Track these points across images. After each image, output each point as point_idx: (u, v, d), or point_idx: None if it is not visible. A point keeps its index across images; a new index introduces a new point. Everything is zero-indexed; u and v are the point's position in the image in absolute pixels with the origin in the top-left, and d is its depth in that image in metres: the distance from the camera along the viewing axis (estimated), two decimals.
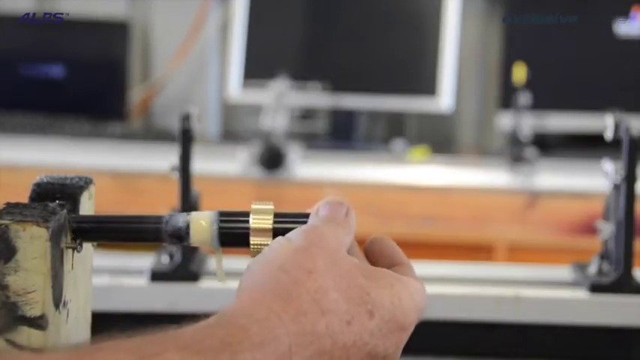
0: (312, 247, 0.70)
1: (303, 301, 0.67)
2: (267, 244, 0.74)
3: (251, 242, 0.75)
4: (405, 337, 0.72)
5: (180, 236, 0.75)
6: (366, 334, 0.69)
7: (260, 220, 0.75)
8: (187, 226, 0.75)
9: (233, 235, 0.75)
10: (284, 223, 0.75)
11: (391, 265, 0.75)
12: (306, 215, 0.75)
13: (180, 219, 0.75)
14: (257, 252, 0.74)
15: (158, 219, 0.75)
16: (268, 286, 0.68)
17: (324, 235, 0.71)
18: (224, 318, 0.66)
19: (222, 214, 0.76)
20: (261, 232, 0.74)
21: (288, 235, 0.72)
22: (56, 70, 3.06)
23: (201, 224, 0.75)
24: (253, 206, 0.75)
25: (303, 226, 0.73)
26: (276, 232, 0.74)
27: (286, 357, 0.65)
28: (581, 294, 1.28)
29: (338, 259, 0.70)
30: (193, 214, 0.76)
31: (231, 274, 1.32)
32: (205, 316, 0.66)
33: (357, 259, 0.73)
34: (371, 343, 0.69)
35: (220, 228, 0.75)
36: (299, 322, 0.66)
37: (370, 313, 0.69)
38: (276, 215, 0.75)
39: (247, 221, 0.75)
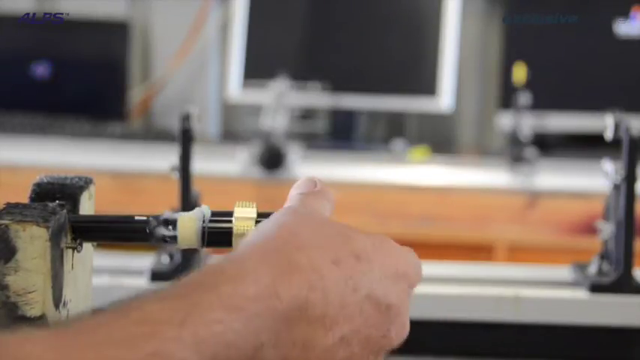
0: (286, 214, 0.69)
1: (277, 242, 0.65)
2: None
3: (234, 243, 0.74)
4: (404, 289, 0.68)
5: (168, 238, 0.74)
6: (357, 274, 0.65)
7: (243, 219, 0.74)
8: (174, 227, 0.74)
9: (217, 234, 0.75)
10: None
11: None
12: None
13: (170, 219, 0.75)
14: None
15: (151, 218, 0.75)
16: (244, 245, 0.66)
17: (296, 206, 0.70)
18: (201, 268, 0.65)
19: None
20: (243, 235, 0.74)
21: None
22: (56, 70, 3.06)
23: (188, 224, 0.74)
24: (236, 207, 0.75)
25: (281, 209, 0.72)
26: None
27: (270, 288, 0.62)
28: (581, 294, 1.28)
29: (309, 215, 0.69)
30: (180, 214, 0.75)
31: None
32: None
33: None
34: (365, 286, 0.65)
35: (210, 227, 0.74)
36: (276, 257, 0.64)
37: (357, 256, 0.66)
38: (259, 215, 0.75)
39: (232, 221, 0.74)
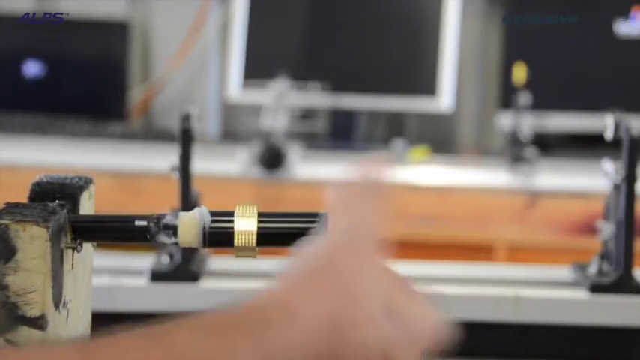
0: (339, 253, 0.67)
1: (326, 283, 0.64)
2: (252, 246, 0.73)
3: (235, 243, 0.74)
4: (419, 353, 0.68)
5: (170, 236, 0.74)
6: (388, 333, 0.65)
7: (245, 219, 0.74)
8: (176, 226, 0.75)
9: (220, 234, 0.75)
10: (268, 223, 0.75)
11: None
12: (289, 215, 0.75)
13: (171, 218, 0.75)
14: (243, 252, 0.74)
15: (151, 218, 0.75)
16: (293, 273, 0.65)
17: (350, 241, 0.68)
18: (243, 303, 0.63)
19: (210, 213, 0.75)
20: (245, 233, 0.74)
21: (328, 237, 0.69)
22: (56, 70, 3.06)
23: (189, 224, 0.74)
24: (237, 207, 0.75)
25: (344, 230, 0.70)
26: (261, 232, 0.74)
27: (307, 335, 0.61)
28: (581, 294, 1.28)
29: (374, 262, 0.67)
30: (181, 214, 0.75)
31: (233, 275, 1.32)
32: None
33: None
34: (390, 343, 0.65)
35: (210, 228, 0.74)
36: (319, 302, 0.63)
37: (390, 313, 0.65)
38: (260, 215, 0.75)
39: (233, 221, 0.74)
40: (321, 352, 0.62)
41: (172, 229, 0.74)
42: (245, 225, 0.73)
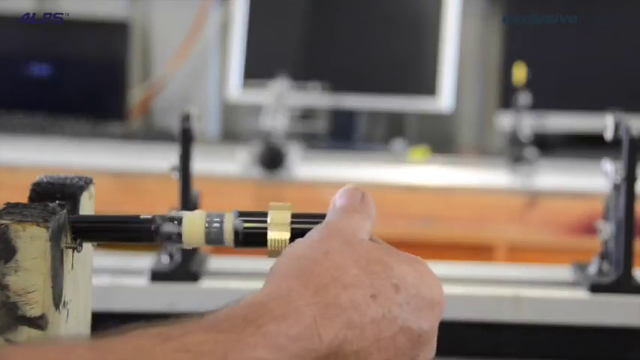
0: (327, 236, 0.70)
1: (322, 277, 0.66)
2: (284, 245, 0.74)
3: (269, 237, 0.74)
4: (437, 316, 0.70)
5: (173, 236, 0.74)
6: (395, 308, 0.67)
7: (278, 216, 0.74)
8: (181, 226, 0.75)
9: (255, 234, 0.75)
10: (300, 223, 0.74)
11: None
12: (322, 216, 0.75)
13: (175, 219, 0.75)
14: (273, 252, 0.74)
15: (156, 219, 0.75)
16: (287, 272, 0.67)
17: (338, 224, 0.71)
18: (245, 301, 0.65)
19: (241, 214, 0.75)
20: (279, 226, 0.74)
21: (307, 234, 0.72)
22: (56, 70, 3.06)
23: (195, 224, 0.75)
24: (272, 203, 0.75)
25: (319, 224, 0.72)
26: (295, 232, 0.74)
27: (312, 329, 0.64)
28: (581, 294, 1.28)
29: (354, 242, 0.70)
30: (187, 213, 0.75)
31: (233, 275, 1.32)
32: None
33: (377, 242, 0.72)
34: (401, 317, 0.67)
35: (245, 228, 0.75)
36: (320, 296, 0.65)
37: (395, 286, 0.68)
38: (293, 215, 0.75)
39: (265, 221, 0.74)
40: (328, 342, 0.64)
41: (177, 231, 0.74)
42: (278, 234, 0.74)
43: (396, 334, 0.67)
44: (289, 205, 0.75)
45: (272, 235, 0.74)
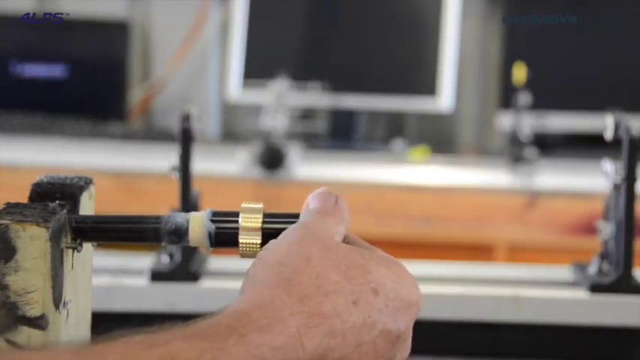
0: (304, 239, 0.70)
1: (304, 285, 0.67)
2: (257, 243, 0.74)
3: (240, 241, 0.74)
4: (413, 315, 0.71)
5: (180, 236, 0.75)
6: (375, 312, 0.68)
7: (249, 218, 0.75)
8: (187, 226, 0.75)
9: (228, 235, 0.75)
10: (273, 223, 0.75)
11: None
12: (296, 215, 0.76)
13: (179, 218, 0.75)
14: (247, 251, 0.74)
15: (157, 219, 0.75)
16: (269, 279, 0.68)
17: (315, 227, 0.72)
18: (228, 309, 0.66)
19: (215, 214, 0.76)
20: (250, 230, 0.74)
21: (281, 234, 0.72)
22: (56, 70, 3.06)
23: (201, 223, 0.75)
24: (243, 205, 0.75)
25: (294, 224, 0.73)
26: (265, 232, 0.74)
27: (295, 339, 0.65)
28: (581, 294, 1.28)
29: (332, 246, 0.71)
30: (193, 213, 0.76)
31: (233, 275, 1.32)
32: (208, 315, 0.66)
33: (353, 245, 0.73)
34: (380, 321, 0.69)
35: (217, 228, 0.75)
36: (303, 304, 0.66)
37: (374, 291, 0.69)
38: (265, 215, 0.75)
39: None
40: (311, 351, 0.65)
41: (184, 230, 0.75)
42: (249, 238, 0.74)
43: (376, 337, 0.69)
44: (260, 208, 0.75)
45: (243, 239, 0.74)
